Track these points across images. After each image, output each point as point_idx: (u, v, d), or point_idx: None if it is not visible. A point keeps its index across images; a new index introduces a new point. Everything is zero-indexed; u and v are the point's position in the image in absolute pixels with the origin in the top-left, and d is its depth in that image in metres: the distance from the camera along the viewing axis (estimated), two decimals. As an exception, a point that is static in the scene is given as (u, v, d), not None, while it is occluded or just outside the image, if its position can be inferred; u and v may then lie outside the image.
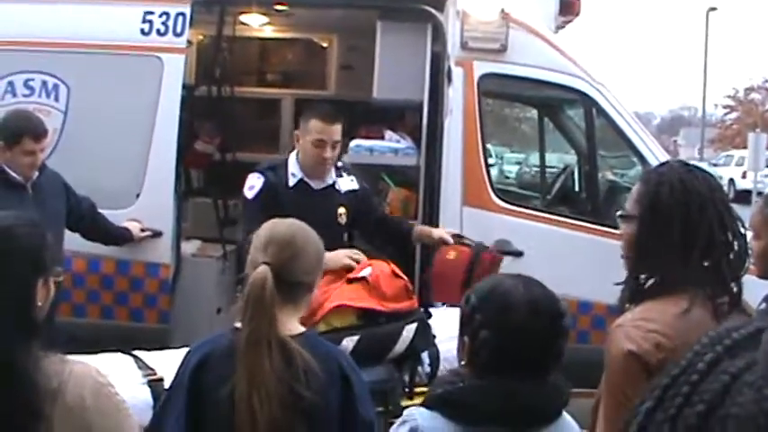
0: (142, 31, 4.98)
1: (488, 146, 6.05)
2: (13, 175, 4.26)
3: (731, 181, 30.31)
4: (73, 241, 4.55)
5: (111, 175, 4.88)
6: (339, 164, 4.33)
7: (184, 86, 5.08)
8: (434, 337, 3.68)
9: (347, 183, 4.35)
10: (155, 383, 3.07)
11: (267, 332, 2.19)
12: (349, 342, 3.39)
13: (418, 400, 2.71)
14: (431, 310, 3.94)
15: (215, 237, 5.70)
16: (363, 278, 3.64)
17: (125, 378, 2.95)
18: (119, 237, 4.79)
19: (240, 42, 6.59)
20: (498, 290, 2.09)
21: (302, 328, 2.36)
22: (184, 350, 2.51)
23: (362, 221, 4.52)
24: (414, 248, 5.24)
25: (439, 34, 5.11)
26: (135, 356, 3.26)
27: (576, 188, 6.02)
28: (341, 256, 3.79)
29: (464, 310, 2.13)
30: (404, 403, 3.39)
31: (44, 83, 4.96)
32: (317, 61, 7.16)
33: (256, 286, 2.22)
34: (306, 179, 4.20)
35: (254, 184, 4.16)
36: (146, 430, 2.40)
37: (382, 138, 5.58)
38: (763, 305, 2.78)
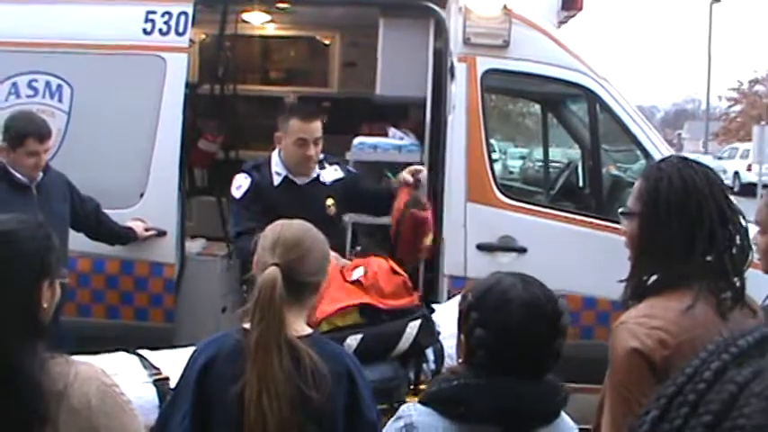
0: (144, 31, 4.98)
1: (492, 141, 6.04)
2: (18, 176, 4.28)
3: (736, 174, 30.26)
4: (77, 241, 4.56)
5: (115, 175, 4.89)
6: (320, 156, 4.37)
7: (187, 85, 5.08)
8: (439, 333, 3.68)
9: (331, 173, 4.42)
10: (160, 383, 3.07)
11: (277, 334, 2.20)
12: (353, 341, 3.39)
13: (423, 398, 2.71)
14: (433, 306, 3.94)
15: (219, 235, 5.70)
16: (357, 281, 3.64)
17: (130, 377, 2.96)
18: (123, 236, 4.80)
19: (243, 41, 6.60)
20: (496, 288, 2.08)
21: (309, 329, 2.38)
22: (190, 349, 2.51)
23: (358, 204, 4.64)
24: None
25: (441, 30, 5.10)
26: (140, 356, 3.26)
27: (580, 183, 6.01)
28: None
29: (461, 308, 2.13)
30: (409, 400, 3.40)
31: (48, 83, 4.96)
32: (320, 59, 7.16)
33: (267, 288, 2.23)
34: (290, 176, 4.30)
35: (241, 183, 4.27)
36: (151, 430, 2.41)
37: (385, 135, 5.57)
38: (768, 300, 2.78)
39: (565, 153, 9.85)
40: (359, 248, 5.09)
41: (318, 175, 4.36)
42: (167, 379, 3.04)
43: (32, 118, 4.41)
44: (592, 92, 5.07)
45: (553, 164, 7.37)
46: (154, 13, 4.99)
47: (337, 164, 4.51)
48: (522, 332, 2.01)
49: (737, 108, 47.75)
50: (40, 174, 4.35)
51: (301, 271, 2.32)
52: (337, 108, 6.91)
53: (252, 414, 2.16)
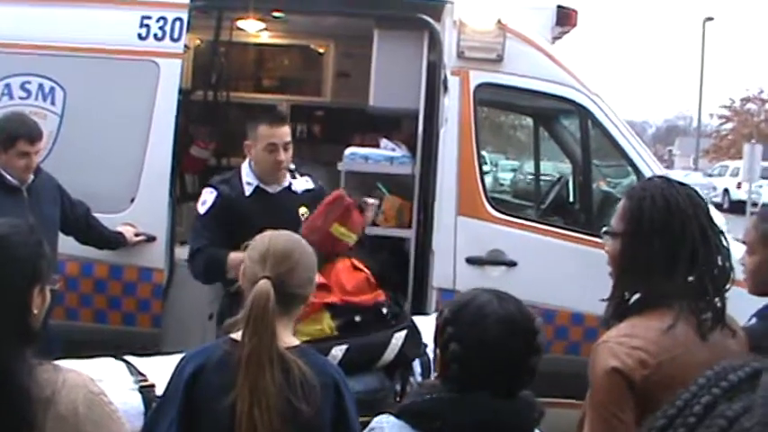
0: (139, 36, 4.98)
1: (483, 153, 6.03)
2: (9, 178, 4.27)
3: (726, 191, 30.41)
4: (66, 245, 4.55)
5: (107, 179, 4.87)
6: (292, 166, 4.37)
7: (181, 91, 5.08)
8: (426, 345, 3.68)
9: (302, 183, 4.41)
10: (146, 389, 3.07)
11: (269, 347, 2.21)
12: (338, 351, 3.39)
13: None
14: (414, 318, 3.91)
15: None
16: (320, 284, 3.61)
17: (117, 384, 2.95)
18: (113, 241, 4.79)
19: (237, 48, 6.61)
20: (472, 304, 2.08)
21: (297, 341, 2.38)
22: (176, 356, 2.51)
23: None
24: (407, 255, 5.25)
25: (435, 43, 5.11)
26: (127, 362, 3.26)
27: (571, 198, 6.03)
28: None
29: (438, 323, 2.14)
30: (395, 412, 3.39)
31: (41, 86, 4.95)
32: (314, 68, 7.18)
33: (259, 301, 2.23)
34: (262, 185, 4.27)
35: (206, 199, 4.24)
36: (136, 436, 2.40)
37: (377, 146, 5.58)
38: (753, 320, 2.80)
39: (556, 167, 9.88)
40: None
41: (290, 184, 4.34)
42: (153, 386, 3.04)
43: (24, 119, 4.41)
44: (584, 107, 5.10)
45: (544, 178, 7.38)
46: (149, 18, 4.99)
47: (309, 175, 4.49)
48: (498, 348, 2.01)
49: (729, 126, 47.97)
50: (31, 176, 4.34)
51: (291, 283, 2.32)
52: (330, 117, 6.93)
53: (243, 426, 2.16)
